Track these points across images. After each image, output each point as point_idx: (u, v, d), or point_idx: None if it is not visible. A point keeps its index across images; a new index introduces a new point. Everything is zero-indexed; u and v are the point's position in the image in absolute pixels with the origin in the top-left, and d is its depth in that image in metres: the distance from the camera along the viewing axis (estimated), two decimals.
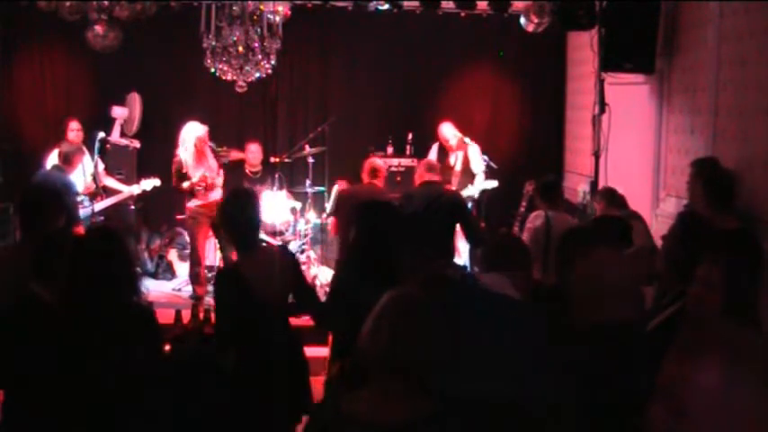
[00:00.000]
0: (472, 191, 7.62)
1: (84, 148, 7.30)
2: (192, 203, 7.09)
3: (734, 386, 1.50)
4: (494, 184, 7.72)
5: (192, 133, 7.07)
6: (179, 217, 8.45)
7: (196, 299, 6.81)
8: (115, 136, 8.44)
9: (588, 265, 2.52)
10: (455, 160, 7.80)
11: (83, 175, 7.12)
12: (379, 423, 2.06)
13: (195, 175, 6.98)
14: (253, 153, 8.19)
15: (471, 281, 2.86)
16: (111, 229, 3.40)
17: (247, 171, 8.10)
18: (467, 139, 7.78)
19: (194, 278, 7.10)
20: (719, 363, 1.51)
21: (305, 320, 6.04)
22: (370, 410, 2.08)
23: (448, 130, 7.82)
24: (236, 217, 3.78)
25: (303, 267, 7.63)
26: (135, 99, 8.70)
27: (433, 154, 8.02)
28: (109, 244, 3.01)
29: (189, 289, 7.64)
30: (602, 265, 2.49)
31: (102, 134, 7.36)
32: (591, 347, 2.35)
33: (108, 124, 8.41)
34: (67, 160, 6.76)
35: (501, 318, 2.63)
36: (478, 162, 7.78)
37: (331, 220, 7.39)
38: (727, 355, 1.53)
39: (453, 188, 7.45)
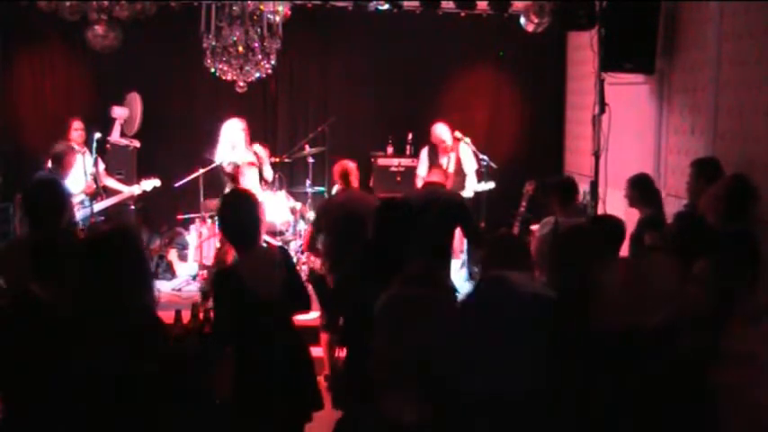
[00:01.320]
0: (464, 194, 7.44)
1: (84, 148, 7.30)
2: None
3: None
4: (490, 185, 7.66)
5: (227, 130, 7.33)
6: (179, 217, 8.46)
7: (204, 296, 6.81)
8: (115, 136, 8.44)
9: (636, 268, 2.53)
10: (447, 162, 7.72)
11: (83, 175, 7.12)
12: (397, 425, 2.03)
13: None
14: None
15: (500, 280, 2.84)
16: (125, 227, 3.40)
17: None
18: (458, 134, 7.69)
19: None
20: None
21: (307, 320, 6.06)
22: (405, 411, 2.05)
23: (443, 132, 7.73)
24: (233, 218, 3.79)
25: (303, 267, 7.70)
26: (135, 99, 8.70)
27: (423, 157, 7.97)
28: (123, 243, 3.00)
29: (189, 289, 7.65)
30: (652, 268, 2.50)
31: (98, 135, 7.35)
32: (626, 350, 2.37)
33: (108, 124, 8.41)
34: (58, 161, 6.64)
35: (529, 315, 2.61)
36: (470, 162, 7.72)
37: (306, 231, 7.21)
38: None
39: None
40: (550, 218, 5.55)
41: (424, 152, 7.98)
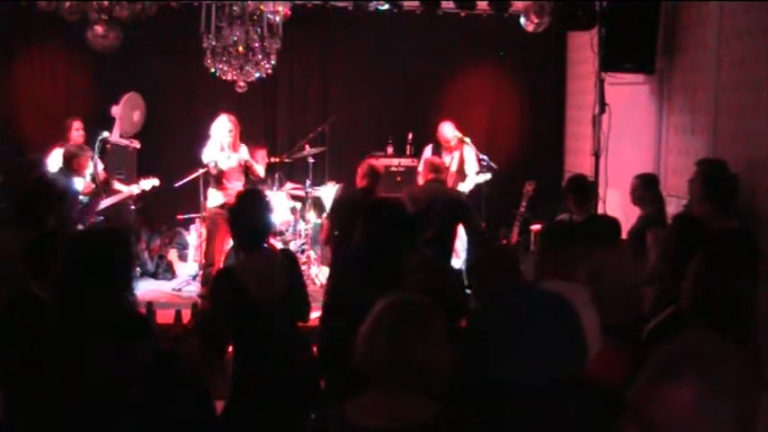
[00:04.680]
0: (464, 187, 7.56)
1: (90, 150, 7.30)
2: (212, 204, 7.10)
3: (706, 405, 1.47)
4: (486, 177, 7.67)
5: (216, 128, 7.08)
6: (179, 217, 8.46)
7: (204, 298, 6.81)
8: (115, 136, 8.43)
9: (592, 266, 2.50)
10: (451, 160, 7.77)
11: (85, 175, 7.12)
12: (379, 428, 2.03)
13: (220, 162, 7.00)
14: (262, 158, 8.13)
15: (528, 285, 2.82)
16: (114, 227, 3.40)
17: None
18: (465, 138, 7.76)
19: (205, 278, 7.08)
20: (693, 381, 1.48)
21: (314, 320, 6.04)
22: (371, 416, 2.06)
23: (449, 130, 7.80)
24: (243, 217, 3.78)
25: (303, 267, 7.69)
26: (135, 99, 8.69)
27: (426, 155, 7.99)
28: (110, 243, 3.00)
29: (189, 289, 7.65)
30: (602, 267, 2.47)
31: (105, 133, 7.35)
32: None
33: (108, 124, 8.41)
34: (69, 162, 6.60)
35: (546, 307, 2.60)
36: (473, 163, 7.77)
37: (324, 224, 7.18)
38: (701, 373, 1.49)
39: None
40: (565, 215, 5.56)
41: (428, 150, 8.01)
